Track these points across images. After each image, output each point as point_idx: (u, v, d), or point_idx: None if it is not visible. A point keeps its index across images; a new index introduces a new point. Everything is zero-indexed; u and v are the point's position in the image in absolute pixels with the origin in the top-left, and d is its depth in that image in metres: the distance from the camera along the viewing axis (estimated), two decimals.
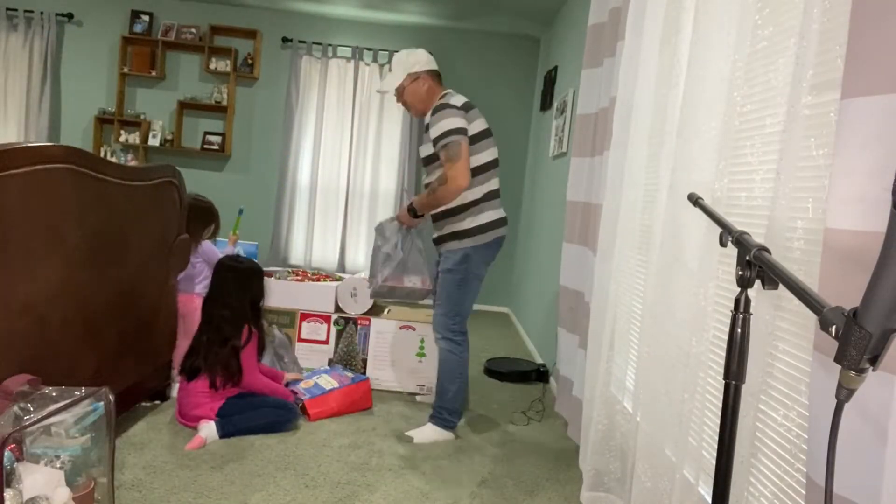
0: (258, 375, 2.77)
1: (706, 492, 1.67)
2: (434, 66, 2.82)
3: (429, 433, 2.78)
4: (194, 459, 2.35)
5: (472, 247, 2.70)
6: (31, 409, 1.56)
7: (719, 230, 1.13)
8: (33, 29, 5.60)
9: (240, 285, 2.74)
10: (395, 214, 2.85)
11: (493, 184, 2.76)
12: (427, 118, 2.74)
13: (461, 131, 2.61)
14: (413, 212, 2.75)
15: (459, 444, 2.77)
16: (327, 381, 3.03)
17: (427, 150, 2.72)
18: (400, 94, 2.81)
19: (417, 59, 2.77)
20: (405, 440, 2.74)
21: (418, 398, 3.23)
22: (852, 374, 0.74)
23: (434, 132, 2.63)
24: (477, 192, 2.70)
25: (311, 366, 3.36)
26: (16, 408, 1.54)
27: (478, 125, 2.70)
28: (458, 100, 2.69)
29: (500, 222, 2.75)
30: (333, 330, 3.36)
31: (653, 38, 2.15)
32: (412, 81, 2.76)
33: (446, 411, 2.79)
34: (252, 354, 2.73)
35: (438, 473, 2.46)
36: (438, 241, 2.80)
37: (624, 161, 2.25)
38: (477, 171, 2.68)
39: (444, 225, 2.75)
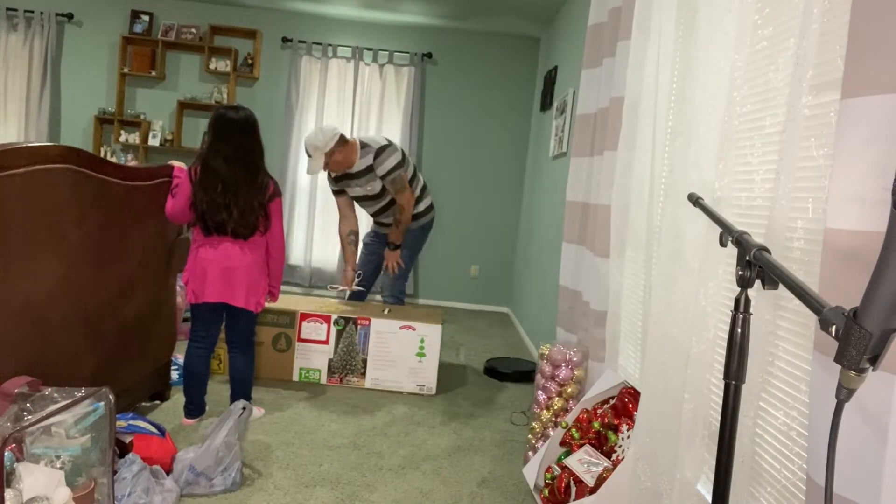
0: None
1: (706, 492, 1.67)
2: (337, 135, 3.32)
3: None
4: None
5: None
6: (31, 409, 1.56)
7: (719, 230, 1.13)
8: (33, 29, 5.60)
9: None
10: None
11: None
12: (358, 166, 3.43)
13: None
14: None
15: (459, 443, 2.77)
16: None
17: (374, 188, 3.47)
18: (328, 166, 3.40)
19: (325, 139, 3.30)
20: (406, 440, 2.74)
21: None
22: (852, 374, 0.74)
23: (381, 170, 3.40)
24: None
25: (311, 366, 3.37)
26: (16, 408, 1.54)
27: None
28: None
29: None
30: (333, 330, 3.36)
31: (658, 38, 2.15)
32: (331, 156, 3.33)
33: None
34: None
35: (438, 473, 2.46)
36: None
37: (633, 160, 2.25)
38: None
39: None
